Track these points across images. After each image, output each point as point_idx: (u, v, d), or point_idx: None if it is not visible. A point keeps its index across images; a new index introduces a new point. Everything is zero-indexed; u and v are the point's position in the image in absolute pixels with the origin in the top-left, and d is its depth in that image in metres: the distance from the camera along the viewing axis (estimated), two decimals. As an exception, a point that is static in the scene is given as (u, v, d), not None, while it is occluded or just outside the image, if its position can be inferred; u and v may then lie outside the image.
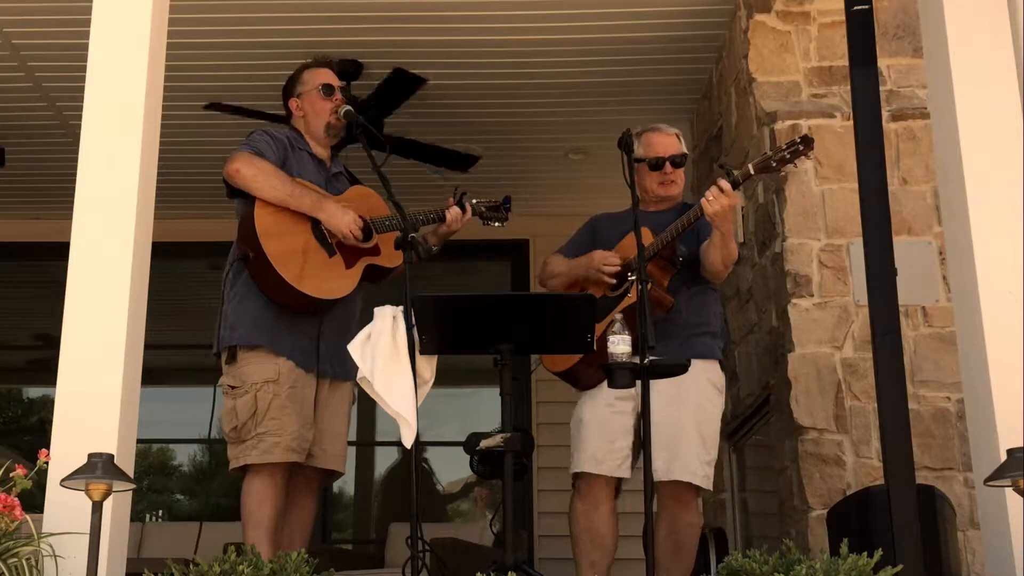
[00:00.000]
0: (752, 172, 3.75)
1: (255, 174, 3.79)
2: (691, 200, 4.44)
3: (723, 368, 4.10)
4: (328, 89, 4.07)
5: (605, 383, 3.81)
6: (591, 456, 3.84)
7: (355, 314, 3.95)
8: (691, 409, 3.85)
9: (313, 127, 4.07)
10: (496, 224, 4.28)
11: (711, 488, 3.97)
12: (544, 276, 4.21)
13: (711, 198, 3.65)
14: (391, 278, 4.02)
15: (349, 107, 4.05)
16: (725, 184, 3.65)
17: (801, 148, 3.70)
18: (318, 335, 3.86)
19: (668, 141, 4.11)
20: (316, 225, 3.85)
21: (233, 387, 3.76)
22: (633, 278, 3.70)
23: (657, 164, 4.04)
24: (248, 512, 3.69)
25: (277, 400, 3.71)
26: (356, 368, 3.33)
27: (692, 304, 3.97)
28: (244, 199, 3.86)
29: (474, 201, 4.21)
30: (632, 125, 3.97)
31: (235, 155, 3.85)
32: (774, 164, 3.73)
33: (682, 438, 3.81)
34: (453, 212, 4.09)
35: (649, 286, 3.63)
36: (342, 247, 3.88)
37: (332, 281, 3.86)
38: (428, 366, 3.36)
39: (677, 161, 4.07)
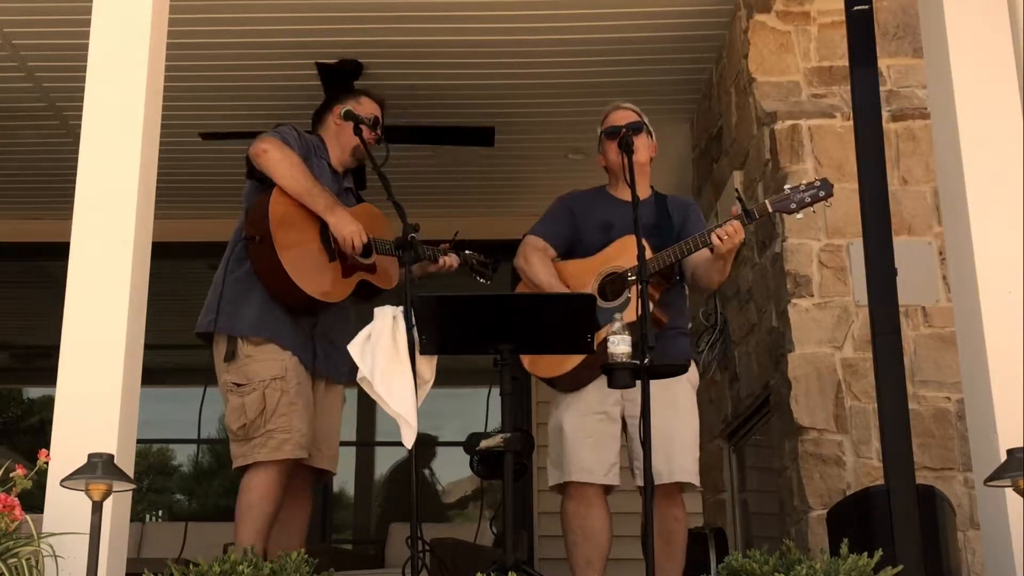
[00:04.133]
0: (770, 210, 3.81)
1: (280, 159, 3.82)
2: (688, 198, 4.47)
3: (699, 367, 4.14)
4: (375, 122, 4.13)
5: (585, 389, 3.85)
6: (580, 467, 3.83)
7: (345, 326, 3.93)
8: (682, 411, 3.87)
9: (343, 142, 4.11)
10: (480, 280, 4.39)
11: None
12: (524, 269, 4.09)
13: (724, 238, 3.66)
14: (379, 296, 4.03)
15: (350, 107, 4.08)
16: (739, 227, 3.68)
17: (822, 195, 3.75)
18: (312, 335, 3.88)
19: (625, 114, 4.13)
20: (324, 227, 3.86)
21: (239, 384, 3.74)
22: (634, 288, 3.71)
23: (614, 131, 4.03)
24: (247, 507, 3.68)
25: (285, 397, 3.71)
26: (355, 369, 3.32)
27: (670, 305, 3.97)
28: (259, 183, 3.88)
29: (467, 252, 4.28)
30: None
31: (264, 137, 3.89)
32: (793, 206, 3.76)
33: (677, 440, 3.82)
34: (450, 260, 4.15)
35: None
36: (342, 256, 3.88)
37: (327, 285, 3.86)
38: (428, 366, 3.36)
39: (635, 127, 4.04)
